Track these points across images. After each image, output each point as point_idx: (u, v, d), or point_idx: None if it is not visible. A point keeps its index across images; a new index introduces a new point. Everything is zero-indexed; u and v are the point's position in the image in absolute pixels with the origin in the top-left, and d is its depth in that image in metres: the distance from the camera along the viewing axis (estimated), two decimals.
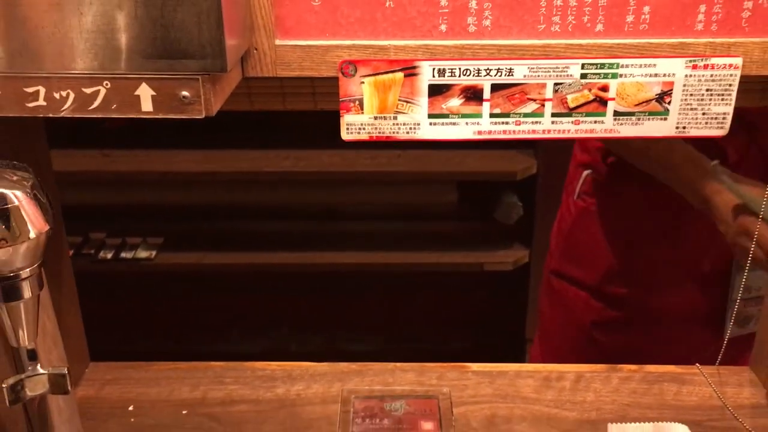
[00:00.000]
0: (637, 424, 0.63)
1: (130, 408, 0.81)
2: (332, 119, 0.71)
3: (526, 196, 2.06)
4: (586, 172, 1.11)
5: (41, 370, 0.58)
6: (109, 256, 2.19)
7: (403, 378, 0.85)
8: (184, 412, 0.81)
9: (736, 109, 0.92)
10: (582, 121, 0.70)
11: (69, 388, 0.58)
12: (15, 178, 0.52)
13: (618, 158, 1.05)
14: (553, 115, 0.70)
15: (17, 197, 0.51)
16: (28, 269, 0.53)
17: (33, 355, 0.57)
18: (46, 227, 0.52)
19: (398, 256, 2.15)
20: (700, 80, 0.68)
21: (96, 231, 2.27)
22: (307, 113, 0.74)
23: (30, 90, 0.55)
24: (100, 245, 2.24)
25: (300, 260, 2.13)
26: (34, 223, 0.51)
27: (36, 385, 0.58)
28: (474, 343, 2.26)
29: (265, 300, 2.26)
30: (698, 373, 0.85)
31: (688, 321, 1.08)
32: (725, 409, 0.80)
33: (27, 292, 0.53)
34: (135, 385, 0.85)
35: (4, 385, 0.55)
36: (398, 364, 0.88)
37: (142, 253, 2.20)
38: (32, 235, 0.51)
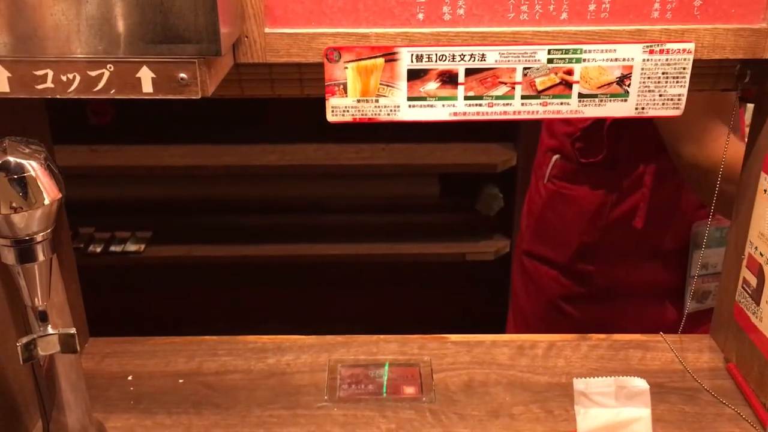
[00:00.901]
0: (600, 378, 0.69)
1: (130, 378, 0.86)
2: (317, 114, 0.76)
3: (506, 188, 2.12)
4: (555, 157, 1.17)
5: (51, 331, 0.62)
6: (99, 250, 2.22)
7: (386, 348, 0.91)
8: (180, 381, 0.86)
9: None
10: (549, 103, 0.75)
11: (77, 347, 0.63)
12: (29, 150, 0.57)
13: (585, 143, 1.12)
14: (523, 97, 0.75)
15: (33, 167, 0.56)
16: (42, 233, 0.57)
17: (44, 317, 0.62)
18: (59, 195, 0.57)
19: (382, 248, 2.20)
20: (656, 64, 0.73)
21: (85, 226, 2.30)
22: (293, 108, 0.79)
23: (39, 73, 0.60)
24: (89, 240, 2.27)
25: (286, 252, 2.17)
26: (48, 190, 0.56)
27: (47, 345, 0.62)
28: (456, 332, 2.32)
29: (252, 292, 2.30)
30: (662, 341, 0.91)
31: (651, 296, 1.14)
32: (686, 372, 0.86)
33: (41, 255, 0.58)
34: (133, 358, 0.89)
35: (18, 344, 0.60)
36: (382, 336, 0.93)
37: (131, 247, 2.24)
38: (47, 201, 0.56)
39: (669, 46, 0.73)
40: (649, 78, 0.74)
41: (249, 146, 2.19)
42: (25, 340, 0.60)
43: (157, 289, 2.29)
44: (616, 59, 0.73)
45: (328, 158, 2.17)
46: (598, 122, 1.09)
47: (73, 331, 0.62)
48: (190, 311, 2.27)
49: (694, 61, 0.73)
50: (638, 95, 0.75)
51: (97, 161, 2.16)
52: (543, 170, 1.20)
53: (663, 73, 0.74)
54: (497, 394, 0.83)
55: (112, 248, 2.24)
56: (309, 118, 2.18)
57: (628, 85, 0.74)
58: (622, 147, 1.09)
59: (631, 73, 0.74)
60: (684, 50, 0.73)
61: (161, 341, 0.93)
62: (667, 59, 0.73)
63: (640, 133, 1.07)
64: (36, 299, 0.60)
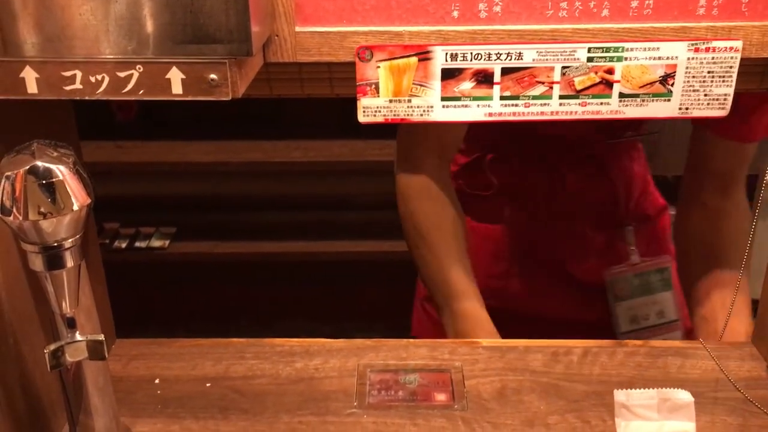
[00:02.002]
0: (642, 390, 0.66)
1: (156, 381, 0.85)
2: (341, 110, 0.74)
3: None
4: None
5: (80, 337, 0.61)
6: (124, 245, 2.24)
7: (416, 353, 0.89)
8: (207, 384, 0.84)
9: (581, 140, 0.98)
10: (589, 103, 0.73)
11: (106, 354, 0.62)
12: (56, 154, 0.56)
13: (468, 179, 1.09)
14: (561, 97, 0.73)
15: (61, 172, 0.54)
16: (71, 240, 0.56)
17: (72, 323, 0.60)
18: (88, 200, 0.56)
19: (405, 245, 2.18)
20: (701, 63, 0.70)
21: (110, 221, 2.31)
22: (316, 104, 0.77)
23: (67, 74, 0.58)
24: (114, 235, 2.28)
25: (310, 249, 2.17)
26: (77, 196, 0.55)
27: (75, 352, 0.61)
28: None
29: (275, 289, 2.30)
30: (701, 348, 0.88)
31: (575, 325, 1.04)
32: (728, 381, 0.83)
33: (69, 262, 0.57)
34: (160, 360, 0.88)
35: (46, 351, 0.59)
36: (411, 340, 0.91)
37: (156, 243, 2.25)
38: (75, 207, 0.55)
39: (715, 44, 0.70)
40: (693, 77, 0.71)
41: (273, 143, 2.18)
42: (53, 347, 0.59)
43: (181, 285, 2.29)
44: (659, 57, 0.71)
45: (352, 155, 2.15)
46: (480, 158, 1.07)
47: (101, 338, 0.61)
48: (213, 308, 2.27)
49: (741, 59, 0.70)
50: (682, 95, 0.72)
51: (122, 157, 2.17)
52: None
53: (708, 72, 0.71)
54: (531, 403, 0.80)
55: (137, 244, 2.25)
56: (333, 114, 2.16)
57: (672, 85, 0.72)
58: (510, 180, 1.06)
59: (674, 72, 0.71)
60: (731, 48, 0.70)
61: (188, 343, 0.92)
62: (713, 58, 0.70)
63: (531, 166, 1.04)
64: (64, 306, 0.59)
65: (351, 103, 0.73)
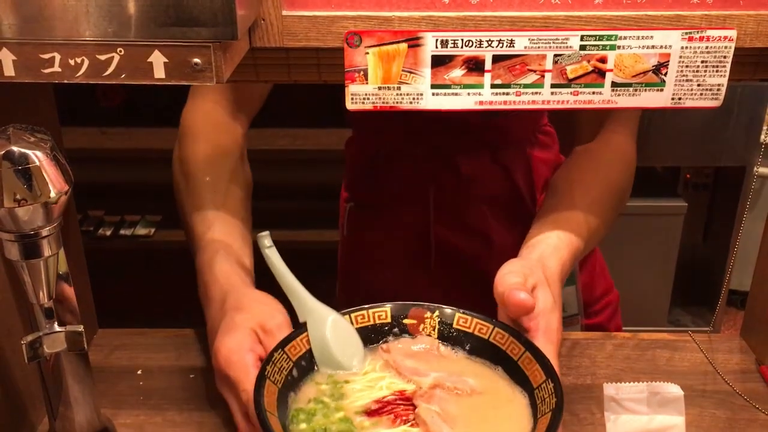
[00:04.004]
0: (632, 383, 0.66)
1: (139, 372, 0.83)
2: (329, 98, 0.72)
3: None
4: (348, 205, 1.12)
5: (58, 328, 0.59)
6: (108, 233, 2.21)
7: None
8: (191, 376, 0.83)
9: (476, 126, 0.95)
10: (581, 92, 0.71)
11: (85, 345, 0.60)
12: (34, 139, 0.54)
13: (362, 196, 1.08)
14: (553, 86, 0.71)
15: (38, 157, 0.53)
16: (48, 228, 0.54)
17: (50, 314, 0.59)
18: (66, 187, 0.54)
19: None
20: (695, 52, 0.69)
21: (94, 209, 2.28)
22: (304, 92, 0.76)
23: (45, 56, 0.56)
24: (98, 223, 2.25)
25: (296, 238, 2.15)
26: (54, 183, 0.53)
27: (54, 343, 0.60)
28: None
29: (262, 278, 2.27)
30: (690, 341, 0.88)
31: None
32: (716, 375, 0.82)
33: (47, 251, 0.55)
34: (143, 351, 0.87)
35: (23, 342, 0.57)
36: None
37: (141, 231, 2.22)
38: (52, 194, 0.53)
39: (710, 33, 0.68)
40: (687, 67, 0.70)
41: (259, 130, 2.14)
42: (30, 338, 0.58)
43: (167, 274, 2.26)
44: (652, 46, 0.69)
45: (340, 143, 2.13)
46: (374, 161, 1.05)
47: (80, 329, 0.59)
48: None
49: (735, 49, 0.69)
50: (675, 85, 0.71)
51: (106, 143, 2.14)
52: (342, 222, 1.15)
53: (702, 62, 0.70)
54: None
55: (122, 232, 2.22)
56: (321, 102, 2.14)
57: (665, 74, 0.71)
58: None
59: (668, 62, 0.70)
60: (725, 38, 0.69)
61: (172, 333, 0.90)
62: (707, 47, 0.69)
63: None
64: (41, 296, 0.57)
65: (339, 91, 0.72)
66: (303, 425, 0.67)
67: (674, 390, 0.65)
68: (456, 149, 0.99)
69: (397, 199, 1.05)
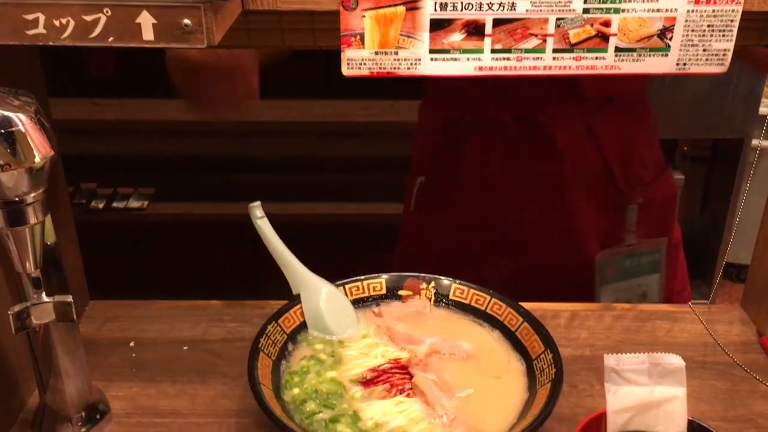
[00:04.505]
0: (633, 354, 0.64)
1: (131, 344, 0.82)
2: (325, 68, 0.70)
3: None
4: (420, 179, 1.03)
5: (46, 299, 0.58)
6: (101, 206, 2.19)
7: None
8: (185, 348, 0.82)
9: (571, 98, 0.90)
10: (583, 57, 0.69)
11: (74, 316, 0.58)
12: (18, 103, 0.52)
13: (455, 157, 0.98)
14: (555, 51, 0.69)
15: (21, 121, 0.51)
16: (33, 194, 0.52)
17: (38, 283, 0.57)
18: (51, 153, 0.52)
19: (391, 208, 2.15)
20: (701, 15, 0.67)
21: (87, 181, 2.25)
22: (299, 62, 0.73)
23: (29, 17, 0.54)
24: (91, 195, 2.23)
25: (291, 211, 2.13)
26: (38, 147, 0.51)
27: (41, 314, 0.58)
28: None
29: (256, 251, 2.26)
30: (690, 312, 0.87)
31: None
32: (716, 346, 0.82)
33: (32, 218, 0.53)
34: (135, 323, 0.85)
35: (10, 312, 0.56)
36: None
37: (134, 203, 2.20)
38: (37, 159, 0.51)
39: None
40: (693, 31, 0.68)
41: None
42: (17, 308, 0.56)
43: (160, 247, 2.25)
44: (657, 10, 0.67)
45: (335, 115, 2.11)
46: (454, 129, 0.97)
47: (69, 299, 0.58)
48: (193, 269, 2.23)
49: (742, 13, 0.67)
50: (680, 50, 0.69)
51: (98, 115, 2.11)
52: (410, 198, 1.06)
53: (708, 26, 0.68)
54: None
55: (115, 205, 2.20)
56: (316, 72, 2.11)
57: (670, 39, 0.68)
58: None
59: (673, 26, 0.68)
60: (733, 1, 0.67)
61: (165, 305, 0.89)
62: (713, 11, 0.67)
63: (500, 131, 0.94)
64: (28, 265, 0.55)
65: (335, 60, 0.69)
66: (295, 390, 0.66)
67: (675, 361, 0.64)
68: (549, 117, 0.91)
69: (476, 174, 0.97)
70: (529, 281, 0.97)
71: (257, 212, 0.77)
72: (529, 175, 0.94)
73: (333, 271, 0.81)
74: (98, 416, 0.70)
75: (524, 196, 0.95)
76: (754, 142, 2.15)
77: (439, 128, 1.00)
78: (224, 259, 2.23)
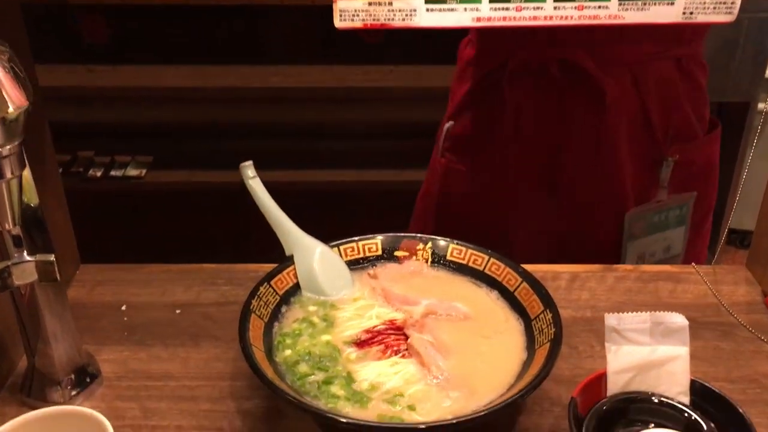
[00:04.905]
0: (634, 313, 0.63)
1: (123, 308, 0.80)
2: (322, 33, 0.67)
3: None
4: (448, 124, 0.99)
5: (28, 257, 0.56)
6: (99, 174, 2.17)
7: None
8: (177, 311, 0.80)
9: (619, 50, 0.86)
10: (586, 7, 0.67)
11: (57, 275, 0.57)
12: None
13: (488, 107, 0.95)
14: (556, 0, 0.66)
15: None
16: (8, 147, 0.50)
17: (19, 242, 0.55)
18: (26, 103, 0.50)
19: (389, 175, 2.13)
20: None
21: (84, 149, 2.23)
22: (295, 27, 0.69)
23: None
24: (88, 164, 2.21)
25: (288, 179, 2.11)
26: (11, 97, 0.49)
27: (23, 273, 0.56)
28: None
29: (254, 219, 2.24)
30: (694, 272, 0.85)
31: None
32: (720, 306, 0.80)
33: (8, 172, 0.51)
34: (127, 286, 0.84)
35: None
36: None
37: (132, 172, 2.18)
38: (11, 110, 0.49)
39: None
40: None
41: (250, 67, 2.09)
42: None
43: (158, 215, 2.23)
44: None
45: (333, 80, 2.07)
46: (496, 74, 0.92)
47: (51, 257, 0.56)
48: (192, 236, 2.22)
49: None
50: None
51: (94, 82, 2.08)
52: (439, 141, 1.01)
53: None
54: None
55: (113, 173, 2.18)
56: (314, 37, 2.07)
57: None
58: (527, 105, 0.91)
59: None
60: None
61: (157, 269, 0.87)
62: None
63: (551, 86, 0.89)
64: (7, 222, 0.53)
65: (331, 23, 0.67)
66: (287, 352, 0.64)
67: (678, 320, 0.62)
68: (596, 64, 0.87)
69: (514, 121, 0.93)
70: (553, 237, 0.96)
71: (249, 172, 0.75)
72: (568, 124, 0.91)
73: (330, 238, 0.78)
74: (88, 379, 0.69)
75: (562, 145, 0.92)
76: (761, 105, 2.11)
77: (480, 71, 0.95)
78: (223, 226, 2.22)
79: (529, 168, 0.95)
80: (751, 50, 1.99)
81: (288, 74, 2.08)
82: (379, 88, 2.05)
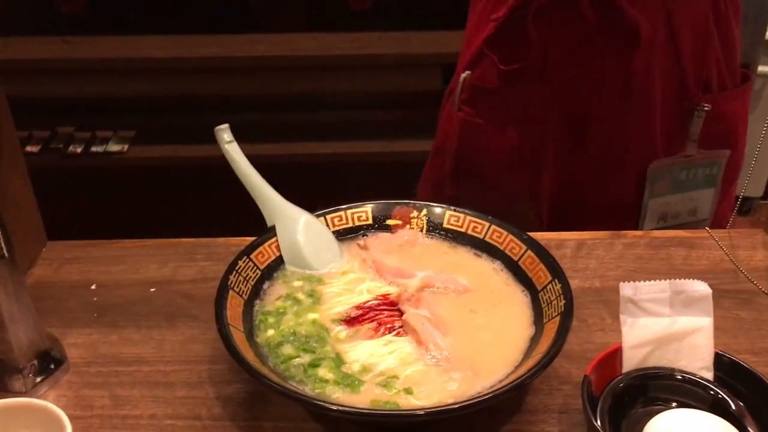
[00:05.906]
0: (653, 282, 0.57)
1: (93, 287, 0.74)
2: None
3: None
4: (464, 74, 0.91)
5: None
6: (79, 150, 2.09)
7: None
8: (152, 289, 0.74)
9: None
10: None
11: (5, 252, 0.50)
12: None
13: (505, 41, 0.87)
14: None
15: None
16: None
17: None
18: None
19: (379, 145, 2.07)
20: None
21: (64, 125, 2.15)
22: None
23: None
24: (68, 139, 2.14)
25: (276, 152, 2.05)
26: None
27: None
28: None
29: (241, 193, 2.17)
30: (708, 237, 0.79)
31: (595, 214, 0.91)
32: (738, 273, 0.74)
33: None
34: (97, 264, 0.77)
35: None
36: None
37: (114, 147, 2.11)
38: None
39: None
40: None
41: (233, 36, 2.02)
42: None
43: (141, 192, 2.16)
44: None
45: (320, 49, 2.00)
46: (521, 12, 0.84)
47: None
48: (176, 212, 2.15)
49: None
50: None
51: (70, 53, 1.99)
52: (454, 94, 0.94)
53: None
54: None
55: (94, 149, 2.11)
56: (300, 3, 2.00)
57: None
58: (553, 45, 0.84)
59: None
60: None
61: (130, 244, 0.81)
62: None
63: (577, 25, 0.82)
64: None
65: None
66: (270, 332, 0.59)
67: (701, 288, 0.56)
68: (629, 2, 0.81)
69: (539, 64, 0.86)
70: (574, 193, 0.90)
71: (225, 135, 0.68)
72: (599, 67, 0.85)
73: (317, 209, 0.72)
74: (53, 366, 0.63)
75: (591, 89, 0.86)
76: (761, 68, 2.06)
77: (502, 9, 0.87)
78: (210, 203, 2.15)
79: (555, 115, 0.88)
80: (751, 12, 1.93)
81: (274, 42, 2.01)
82: (367, 56, 1.98)
